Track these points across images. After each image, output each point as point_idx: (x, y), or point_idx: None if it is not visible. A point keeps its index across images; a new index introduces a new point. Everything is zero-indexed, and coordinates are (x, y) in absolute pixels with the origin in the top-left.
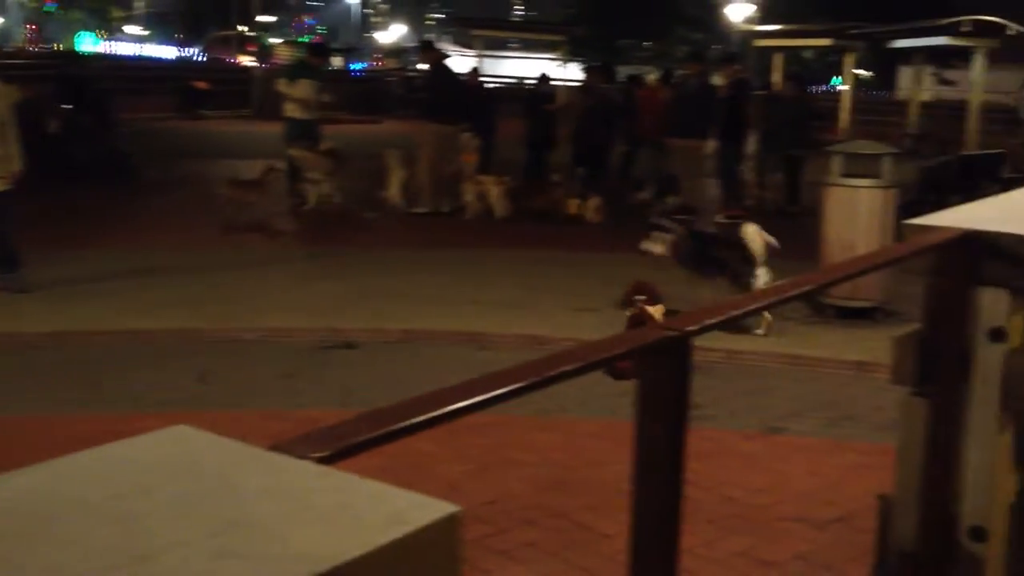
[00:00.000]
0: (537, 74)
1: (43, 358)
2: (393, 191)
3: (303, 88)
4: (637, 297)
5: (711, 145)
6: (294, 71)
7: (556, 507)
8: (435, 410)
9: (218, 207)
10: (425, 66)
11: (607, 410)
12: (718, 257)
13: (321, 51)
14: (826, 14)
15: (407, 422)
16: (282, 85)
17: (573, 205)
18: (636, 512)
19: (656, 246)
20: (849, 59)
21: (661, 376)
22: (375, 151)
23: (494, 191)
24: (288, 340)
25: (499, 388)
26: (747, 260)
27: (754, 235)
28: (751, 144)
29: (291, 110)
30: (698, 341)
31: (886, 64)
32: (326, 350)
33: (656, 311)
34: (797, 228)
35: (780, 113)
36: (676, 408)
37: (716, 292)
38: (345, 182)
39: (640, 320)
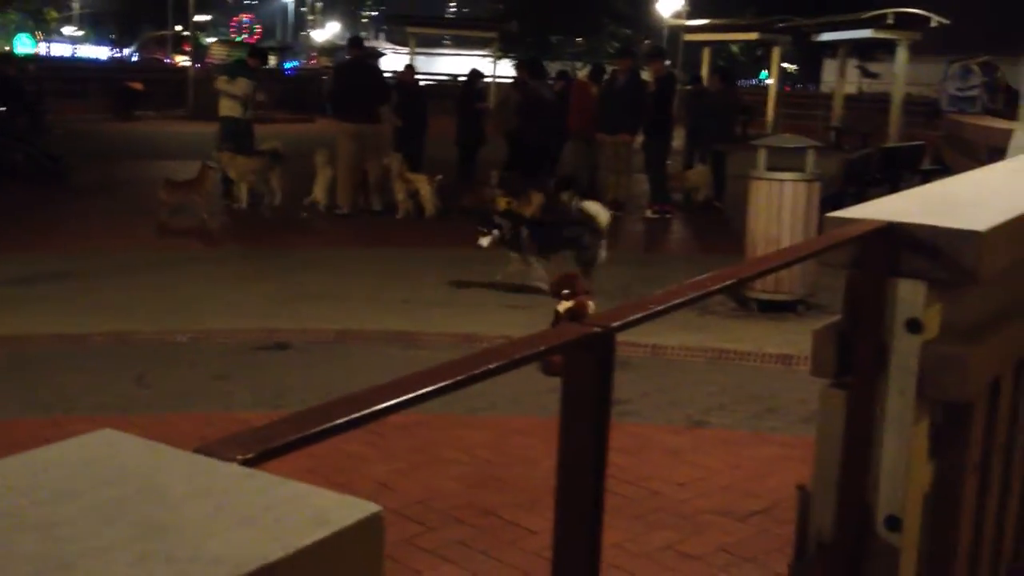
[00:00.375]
0: (467, 71)
1: None
2: (319, 191)
3: (241, 86)
4: (565, 291)
5: (639, 140)
6: (233, 69)
7: (485, 505)
8: (360, 410)
9: (152, 208)
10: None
11: (537, 407)
12: (568, 236)
13: (260, 53)
14: (753, 8)
15: (332, 423)
16: (221, 83)
17: (503, 203)
18: (560, 508)
19: (485, 240)
20: (775, 53)
21: (585, 372)
22: (306, 150)
23: (425, 189)
24: (222, 342)
25: (426, 386)
26: (595, 233)
27: (598, 209)
28: (677, 138)
29: (227, 108)
30: (621, 336)
31: (812, 58)
32: (259, 351)
33: (591, 302)
34: (721, 222)
35: (706, 107)
36: (600, 404)
37: (558, 268)
38: (280, 182)
39: (579, 313)
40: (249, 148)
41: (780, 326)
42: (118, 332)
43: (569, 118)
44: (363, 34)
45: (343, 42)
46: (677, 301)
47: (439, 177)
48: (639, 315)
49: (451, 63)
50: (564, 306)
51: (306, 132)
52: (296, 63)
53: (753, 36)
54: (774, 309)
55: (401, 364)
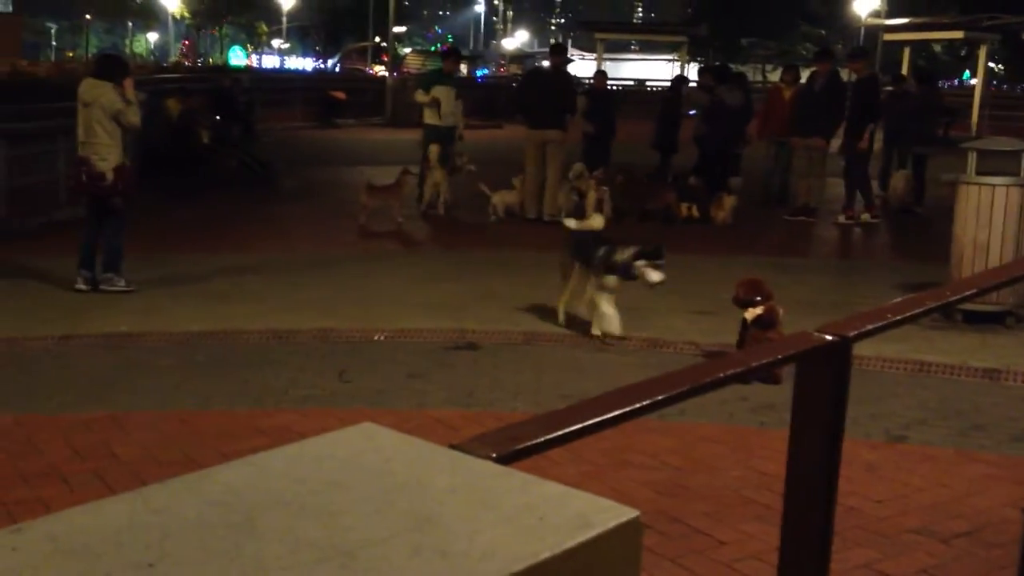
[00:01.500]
0: (672, 76)
1: (192, 356)
2: (510, 196)
3: (437, 95)
4: (755, 297)
5: (835, 144)
6: (428, 80)
7: (673, 512)
8: (604, 413)
9: (354, 211)
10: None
11: (724, 415)
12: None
13: (453, 55)
14: (956, 6)
15: (579, 424)
16: (418, 96)
17: (683, 208)
18: (788, 520)
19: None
20: (982, 52)
21: (819, 382)
22: (496, 156)
23: (590, 197)
24: (417, 340)
25: (662, 393)
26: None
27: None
28: (876, 142)
29: (429, 116)
30: None
31: (1020, 56)
32: (450, 351)
33: (782, 309)
34: (921, 228)
35: (905, 109)
36: (834, 416)
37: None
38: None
39: (767, 320)
40: (448, 154)
41: (987, 339)
42: (322, 328)
43: (758, 123)
44: (552, 41)
45: (531, 50)
46: (916, 311)
47: (604, 188)
48: (877, 324)
49: (638, 68)
50: (752, 313)
51: (495, 138)
52: (486, 71)
53: (958, 35)
54: (981, 320)
55: (589, 366)
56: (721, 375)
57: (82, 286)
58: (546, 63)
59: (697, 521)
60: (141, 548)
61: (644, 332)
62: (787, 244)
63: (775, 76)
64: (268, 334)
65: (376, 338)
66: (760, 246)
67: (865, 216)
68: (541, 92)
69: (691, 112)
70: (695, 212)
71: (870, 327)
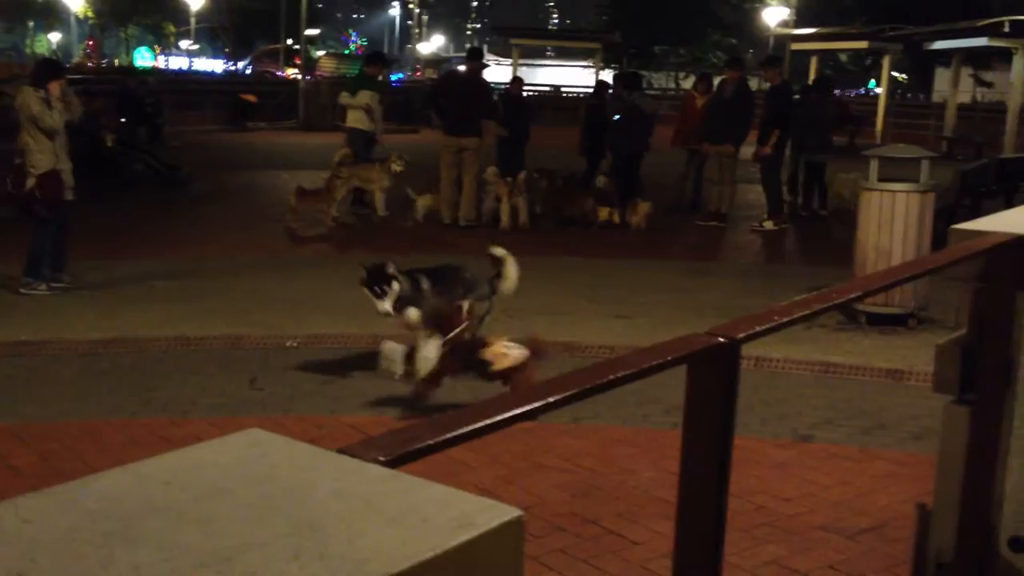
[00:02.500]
0: (594, 82)
1: (96, 364)
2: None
3: (364, 99)
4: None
5: (749, 151)
6: (354, 83)
7: (587, 514)
8: (490, 417)
9: (266, 215)
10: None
11: (639, 417)
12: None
13: (378, 59)
14: (862, 17)
15: (465, 428)
16: (344, 98)
17: (604, 212)
18: (681, 519)
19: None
20: (886, 62)
21: (710, 383)
22: (417, 159)
23: (516, 199)
24: (331, 346)
25: (554, 395)
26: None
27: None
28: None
29: (354, 120)
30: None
31: (923, 67)
32: (364, 357)
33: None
34: (825, 234)
35: (802, 117)
36: (724, 416)
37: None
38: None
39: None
40: (368, 159)
41: (890, 340)
42: (233, 335)
43: (677, 130)
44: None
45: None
46: (801, 313)
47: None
48: (764, 327)
49: (553, 74)
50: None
51: (412, 142)
52: (401, 75)
53: (863, 45)
54: (884, 322)
55: None
56: (611, 377)
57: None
58: (462, 67)
59: (610, 522)
60: (10, 558)
61: (561, 336)
62: (699, 249)
63: (688, 83)
64: (177, 341)
65: (288, 344)
66: (674, 251)
67: (768, 224)
68: (457, 98)
69: (615, 117)
70: (615, 217)
71: (758, 328)
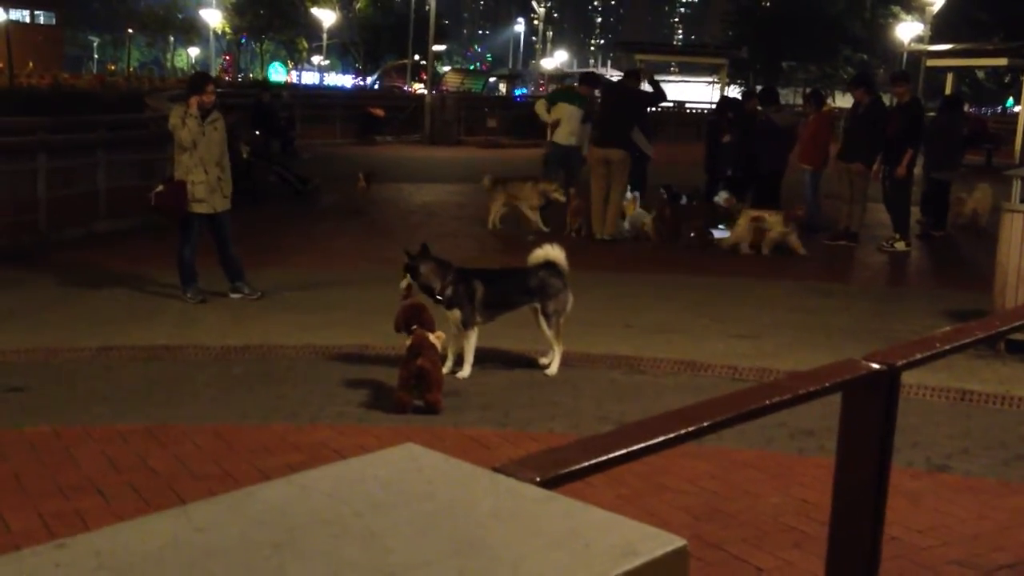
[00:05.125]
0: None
1: (229, 370)
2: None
3: (557, 114)
4: (410, 324)
5: (877, 169)
6: (554, 96)
7: (711, 538)
8: (650, 439)
9: (388, 228)
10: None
11: (763, 440)
12: (532, 286)
13: (591, 80)
14: (1000, 32)
15: (624, 450)
16: (539, 108)
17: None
18: (833, 550)
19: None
20: None
21: (868, 412)
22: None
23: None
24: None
25: (707, 419)
26: (560, 276)
27: (556, 253)
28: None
29: (554, 134)
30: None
31: None
32: (487, 369)
33: (436, 338)
34: (953, 255)
35: (934, 134)
36: (882, 445)
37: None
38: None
39: (418, 349)
40: (574, 175)
41: None
42: (359, 344)
43: (801, 148)
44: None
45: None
46: (964, 341)
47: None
48: (925, 353)
49: (677, 90)
50: (410, 339)
51: (533, 157)
52: (525, 90)
53: (1002, 61)
54: None
55: (625, 389)
56: (767, 402)
57: (232, 295)
58: (616, 77)
59: (736, 547)
60: (185, 566)
61: (679, 355)
62: (827, 269)
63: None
64: (306, 349)
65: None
66: (799, 271)
67: (900, 244)
68: (608, 108)
69: (725, 139)
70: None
71: (919, 356)
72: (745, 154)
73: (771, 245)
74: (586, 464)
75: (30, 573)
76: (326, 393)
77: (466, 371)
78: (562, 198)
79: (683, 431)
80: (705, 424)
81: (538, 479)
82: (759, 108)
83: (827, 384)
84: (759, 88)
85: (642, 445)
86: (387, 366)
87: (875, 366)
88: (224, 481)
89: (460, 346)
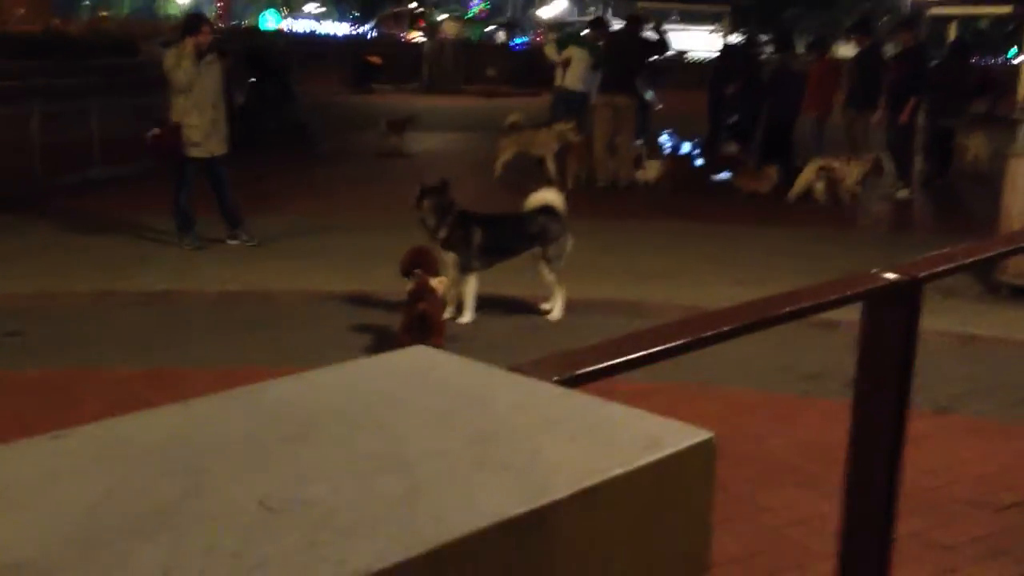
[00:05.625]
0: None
1: (227, 315)
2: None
3: (567, 54)
4: (413, 268)
5: (879, 115)
6: (564, 40)
7: (717, 478)
8: (663, 343)
9: (381, 176)
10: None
11: (767, 383)
12: (532, 232)
13: (598, 24)
14: None
15: (642, 352)
16: (549, 50)
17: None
18: (853, 473)
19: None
20: None
21: (889, 324)
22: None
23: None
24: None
25: (726, 324)
26: (559, 221)
27: (553, 196)
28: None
29: (558, 79)
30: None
31: None
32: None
33: (438, 283)
34: (955, 201)
35: (939, 81)
36: (903, 361)
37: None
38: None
39: (420, 294)
40: (582, 121)
41: None
42: (359, 292)
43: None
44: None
45: (571, 18)
46: (986, 254)
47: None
48: (947, 266)
49: (678, 39)
50: (411, 284)
51: (532, 104)
52: (524, 39)
53: (1007, 10)
54: None
55: (626, 333)
56: (788, 309)
57: (230, 241)
58: (618, 26)
59: (740, 487)
60: (190, 456)
61: (683, 300)
62: (832, 215)
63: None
64: (305, 295)
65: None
66: (803, 218)
67: (903, 192)
68: (615, 56)
69: (728, 90)
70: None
71: (941, 268)
72: (751, 103)
73: (852, 192)
74: (603, 364)
75: (26, 461)
76: (327, 337)
77: (467, 316)
78: (578, 139)
79: (702, 335)
80: (725, 329)
81: (555, 378)
82: (773, 54)
83: (848, 293)
84: (768, 36)
85: (661, 347)
86: (388, 311)
87: (897, 276)
88: None
89: (461, 291)
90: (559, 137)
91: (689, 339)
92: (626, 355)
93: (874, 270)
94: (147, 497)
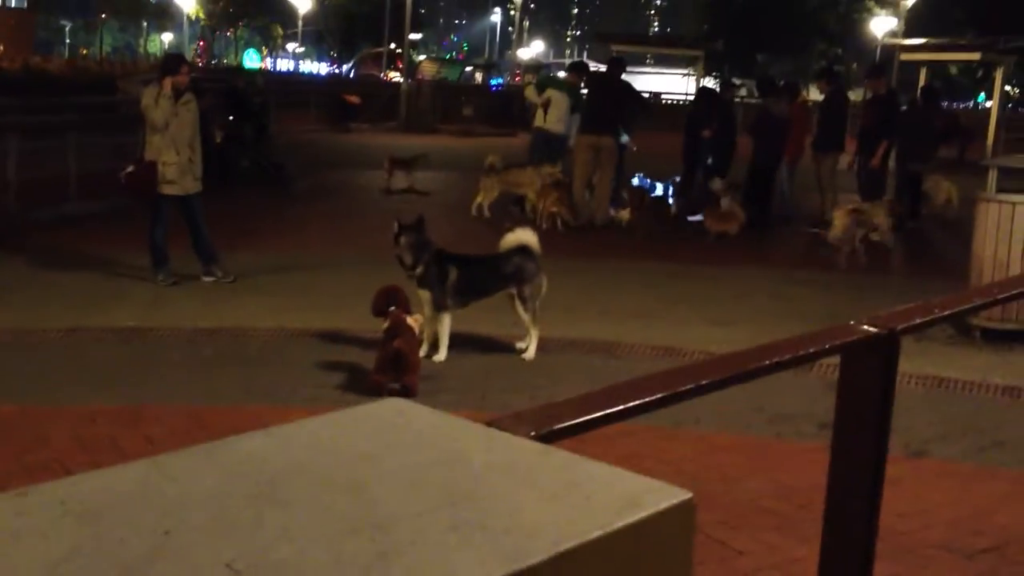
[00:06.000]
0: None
1: (200, 352)
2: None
3: (547, 96)
4: (386, 306)
5: (846, 159)
6: (544, 81)
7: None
8: (641, 397)
9: (361, 211)
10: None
11: (741, 424)
12: (507, 272)
13: (579, 68)
14: (972, 28)
15: (621, 405)
16: (529, 92)
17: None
18: (829, 522)
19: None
20: (998, 74)
21: (865, 376)
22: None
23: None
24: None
25: (707, 377)
26: (534, 260)
27: (529, 236)
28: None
29: (538, 119)
30: (830, 359)
31: None
32: (453, 353)
33: (413, 320)
34: (924, 245)
35: (908, 126)
36: (881, 412)
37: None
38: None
39: (395, 331)
40: (557, 163)
41: (1007, 357)
42: (332, 329)
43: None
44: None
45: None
46: (962, 307)
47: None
48: (924, 318)
49: (652, 81)
50: (387, 323)
51: (509, 145)
52: (501, 80)
53: (975, 56)
54: (1000, 338)
55: (603, 374)
56: (767, 362)
57: (205, 278)
58: (601, 68)
59: (715, 530)
60: (156, 515)
61: (657, 340)
62: (803, 257)
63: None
64: (279, 332)
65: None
66: (775, 259)
67: (875, 234)
68: (600, 97)
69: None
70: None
71: (918, 320)
72: (725, 145)
73: (886, 238)
74: (582, 419)
75: None
76: (300, 375)
77: (442, 355)
78: (565, 180)
79: (681, 388)
80: (703, 383)
81: (532, 433)
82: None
83: (826, 346)
84: (741, 80)
85: (640, 401)
86: (362, 348)
87: (874, 329)
88: None
89: (435, 329)
90: (546, 178)
91: (668, 392)
92: (604, 409)
93: (851, 322)
94: (112, 558)
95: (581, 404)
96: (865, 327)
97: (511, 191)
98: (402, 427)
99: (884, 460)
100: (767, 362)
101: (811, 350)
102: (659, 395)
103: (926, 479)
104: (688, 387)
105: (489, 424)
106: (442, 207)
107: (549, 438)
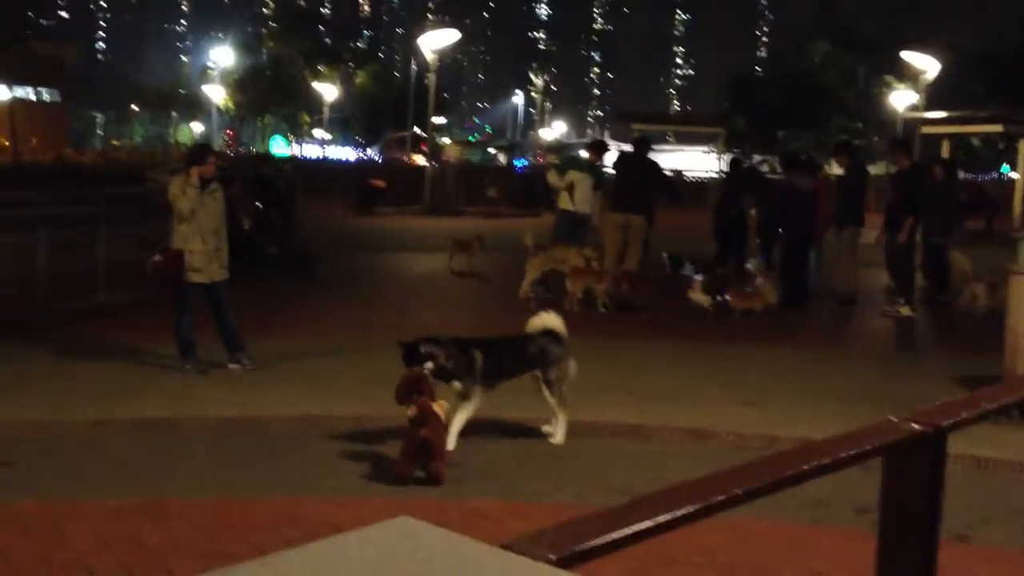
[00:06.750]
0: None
1: (226, 442)
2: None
3: (569, 179)
4: (411, 394)
5: (873, 234)
6: (565, 164)
7: None
8: (673, 510)
9: (387, 302)
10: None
11: (775, 509)
12: (532, 353)
13: (598, 147)
14: (991, 101)
15: (648, 523)
16: (551, 177)
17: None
18: None
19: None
20: (1021, 145)
21: (912, 478)
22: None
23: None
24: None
25: (739, 487)
26: (561, 343)
27: (553, 319)
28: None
29: (563, 201)
30: None
31: None
32: (488, 438)
33: (438, 407)
34: (953, 318)
35: (930, 200)
36: (929, 515)
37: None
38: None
39: (422, 420)
40: (581, 243)
41: None
42: (357, 415)
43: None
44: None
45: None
46: (1012, 399)
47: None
48: (972, 413)
49: (673, 159)
50: (410, 411)
51: (535, 225)
52: (524, 161)
53: (998, 128)
54: None
55: (632, 458)
56: (804, 467)
57: (231, 366)
58: (625, 147)
59: None
60: None
61: (684, 422)
62: (832, 334)
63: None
64: (304, 420)
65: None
66: (804, 336)
67: (904, 310)
68: (631, 175)
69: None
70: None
71: (964, 415)
72: (769, 221)
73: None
74: (606, 540)
75: None
76: (324, 465)
77: (451, 443)
78: (600, 266)
79: (713, 500)
80: (738, 492)
81: (552, 557)
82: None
83: (868, 448)
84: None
85: (669, 517)
86: (386, 437)
87: (918, 427)
88: (218, 559)
89: (456, 415)
90: (587, 259)
91: (699, 506)
92: (630, 525)
93: (893, 418)
94: None
95: (605, 520)
96: (911, 425)
97: (557, 269)
98: (410, 552)
99: (934, 563)
100: (805, 468)
101: (852, 452)
102: (689, 508)
103: (968, 565)
104: (720, 499)
105: (504, 548)
106: (486, 287)
107: (570, 561)
